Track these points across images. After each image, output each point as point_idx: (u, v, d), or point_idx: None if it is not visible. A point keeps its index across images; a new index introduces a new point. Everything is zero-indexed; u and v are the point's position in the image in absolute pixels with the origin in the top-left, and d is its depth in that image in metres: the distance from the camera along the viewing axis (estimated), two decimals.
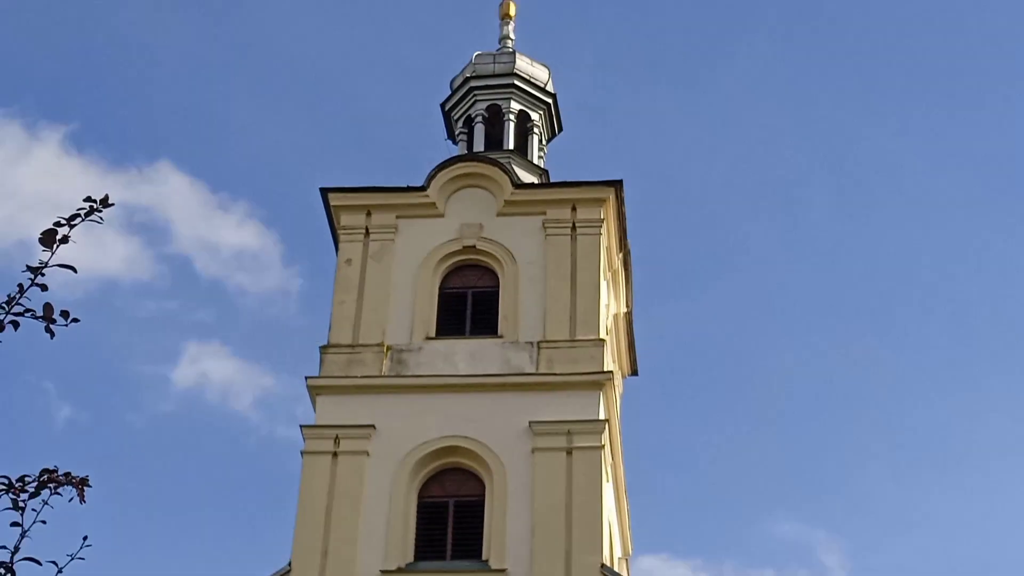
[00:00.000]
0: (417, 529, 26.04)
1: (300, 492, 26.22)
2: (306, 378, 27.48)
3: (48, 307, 6.99)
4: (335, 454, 26.56)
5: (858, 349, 70.36)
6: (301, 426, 26.99)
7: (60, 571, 7.49)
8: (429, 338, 28.06)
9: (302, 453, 26.68)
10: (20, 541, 7.37)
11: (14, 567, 7.29)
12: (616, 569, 27.19)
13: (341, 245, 29.52)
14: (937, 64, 73.16)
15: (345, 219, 29.70)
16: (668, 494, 64.18)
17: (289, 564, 25.47)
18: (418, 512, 26.25)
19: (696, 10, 72.62)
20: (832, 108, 72.00)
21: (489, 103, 34.00)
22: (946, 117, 72.44)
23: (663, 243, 63.60)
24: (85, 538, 7.87)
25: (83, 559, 7.73)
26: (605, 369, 27.46)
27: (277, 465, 65.88)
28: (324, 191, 30.00)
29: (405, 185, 30.20)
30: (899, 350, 71.43)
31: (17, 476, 7.37)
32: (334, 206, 29.85)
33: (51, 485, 7.42)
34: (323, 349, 27.90)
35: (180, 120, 71.22)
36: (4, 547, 7.33)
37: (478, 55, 35.02)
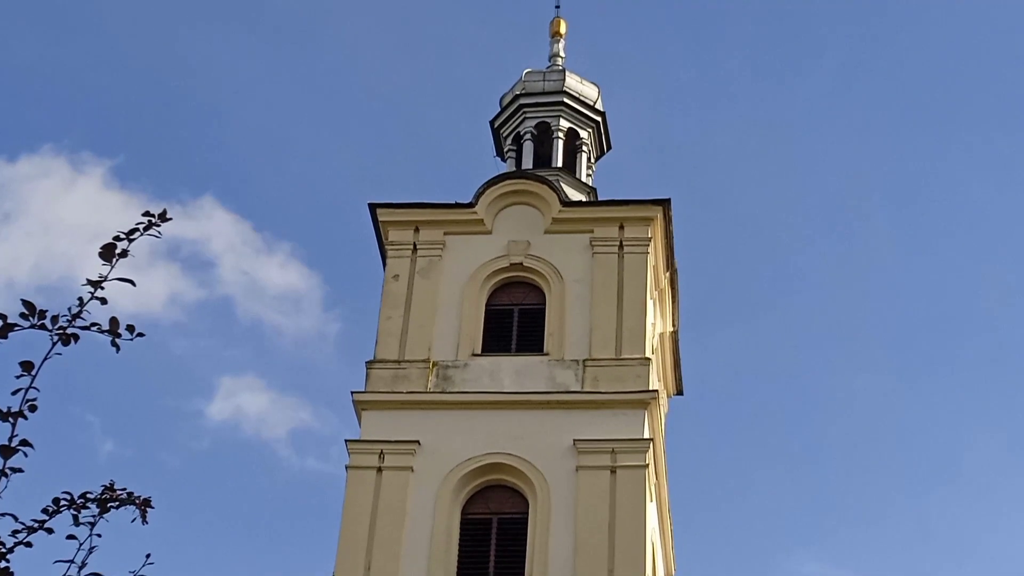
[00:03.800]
0: (460, 546, 25.98)
1: (344, 507, 26.23)
2: (352, 392, 27.53)
3: (114, 321, 7.03)
4: (380, 469, 26.57)
5: (912, 382, 69.63)
6: (346, 441, 27.03)
7: None
8: (475, 355, 28.06)
9: (347, 468, 26.70)
10: (88, 556, 7.44)
11: None
12: None
13: (389, 261, 29.58)
14: (1001, 91, 72.47)
15: (393, 235, 29.78)
16: (708, 518, 63.82)
17: None
18: (461, 529, 26.21)
19: (752, 33, 72.41)
20: (893, 135, 71.57)
21: (538, 120, 34.03)
22: (1010, 145, 71.62)
23: (712, 264, 63.36)
24: (148, 556, 7.94)
25: None
26: (650, 388, 27.36)
27: (315, 494, 65.96)
28: (372, 206, 30.09)
29: (453, 202, 30.28)
30: (956, 385, 70.39)
31: (79, 493, 7.42)
32: (382, 221, 29.94)
33: (113, 503, 7.46)
34: (369, 364, 27.94)
35: (226, 155, 71.25)
36: (72, 562, 7.40)
37: (528, 72, 35.07)
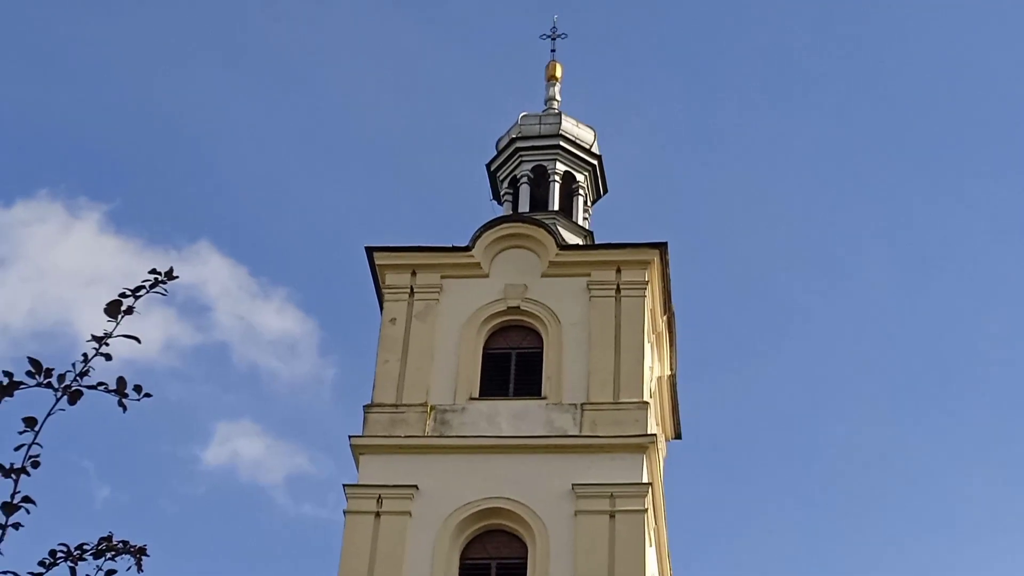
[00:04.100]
0: None
1: (342, 552, 26.16)
2: (349, 437, 27.48)
3: (122, 381, 7.02)
4: (378, 514, 26.51)
5: (912, 427, 69.46)
6: (344, 485, 26.95)
7: None
8: (473, 399, 28.03)
9: (345, 513, 26.63)
10: None
11: None
12: None
13: (386, 304, 29.57)
14: (996, 133, 72.64)
15: (390, 278, 29.78)
16: (708, 562, 63.57)
17: None
18: (460, 573, 26.13)
19: (748, 76, 72.64)
20: (890, 179, 71.68)
21: (535, 164, 34.08)
22: (1006, 187, 71.66)
23: (710, 307, 63.38)
24: None
25: None
26: (648, 432, 27.34)
27: (312, 540, 65.68)
28: (369, 250, 30.11)
29: (450, 245, 30.29)
30: (956, 430, 70.17)
31: (75, 544, 7.41)
32: (379, 265, 29.94)
33: (109, 554, 7.46)
34: (367, 408, 27.90)
35: (222, 200, 71.22)
36: None
37: (524, 116, 35.14)
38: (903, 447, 69.36)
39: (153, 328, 64.29)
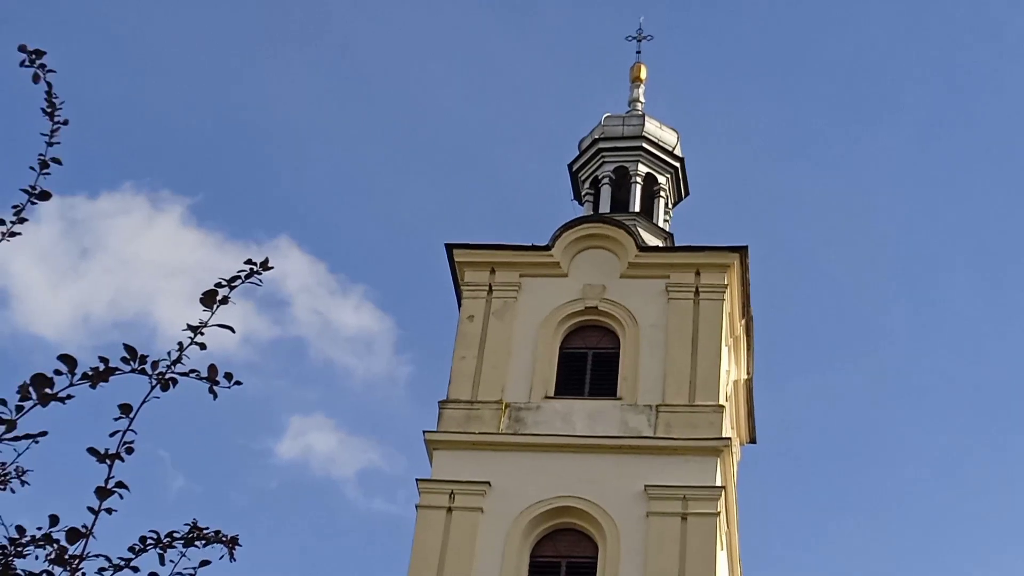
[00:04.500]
0: None
1: (413, 546, 26.28)
2: (424, 432, 27.60)
3: (213, 368, 7.12)
4: (450, 509, 26.61)
5: (990, 440, 68.67)
6: (417, 480, 27.09)
7: None
8: (548, 397, 28.08)
9: (417, 507, 26.76)
10: None
11: None
12: None
13: (464, 301, 29.68)
14: None
15: (469, 275, 29.89)
16: (779, 569, 63.17)
17: None
18: (530, 571, 26.17)
19: (834, 82, 72.10)
20: (975, 189, 70.90)
21: (616, 165, 34.09)
22: None
23: (789, 313, 63.10)
24: None
25: None
26: (723, 435, 27.26)
27: (382, 535, 65.90)
28: (449, 247, 30.23)
29: (530, 244, 30.36)
30: None
31: (165, 532, 7.52)
32: (459, 262, 30.06)
33: (199, 542, 7.55)
34: (442, 404, 28.02)
35: (303, 196, 71.57)
36: None
37: (607, 117, 35.14)
38: (982, 460, 68.74)
39: (232, 321, 64.52)
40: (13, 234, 7.55)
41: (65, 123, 7.77)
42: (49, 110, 7.76)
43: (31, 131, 7.92)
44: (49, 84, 7.75)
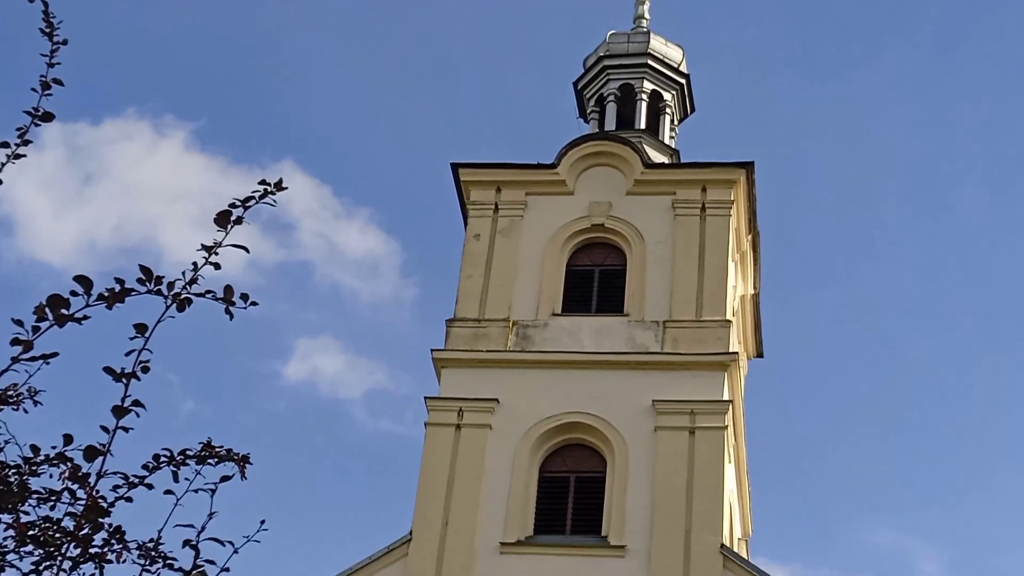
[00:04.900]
0: (537, 503, 26.22)
1: (423, 463, 26.50)
2: (432, 350, 27.75)
3: (229, 289, 7.16)
4: (458, 427, 26.81)
5: (998, 353, 68.74)
6: (426, 398, 27.27)
7: (236, 551, 7.73)
8: (555, 314, 28.21)
9: (426, 425, 26.97)
10: (208, 521, 7.64)
11: (199, 545, 7.57)
12: (736, 549, 27.18)
13: (470, 220, 29.74)
14: None
15: (475, 194, 29.93)
16: (786, 481, 63.61)
17: (410, 533, 25.81)
18: (539, 486, 26.43)
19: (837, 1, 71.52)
20: (987, 105, 70.56)
21: (622, 82, 34.00)
22: None
23: (795, 228, 63.04)
24: (263, 521, 8.11)
25: (259, 542, 7.97)
26: (731, 350, 27.39)
27: (390, 455, 66.23)
28: (455, 166, 30.25)
29: (536, 162, 30.36)
30: None
31: (179, 450, 7.62)
32: (464, 181, 30.08)
33: (211, 460, 7.65)
34: (449, 322, 28.14)
35: (307, 119, 71.12)
36: (191, 526, 7.61)
37: (612, 34, 35.00)
38: (988, 373, 68.91)
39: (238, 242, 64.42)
40: (18, 156, 7.57)
41: (64, 43, 7.76)
42: (47, 30, 7.74)
43: (31, 54, 7.96)
44: (45, 3, 7.75)
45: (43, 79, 7.68)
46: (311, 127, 71.58)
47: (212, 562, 7.62)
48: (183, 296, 6.96)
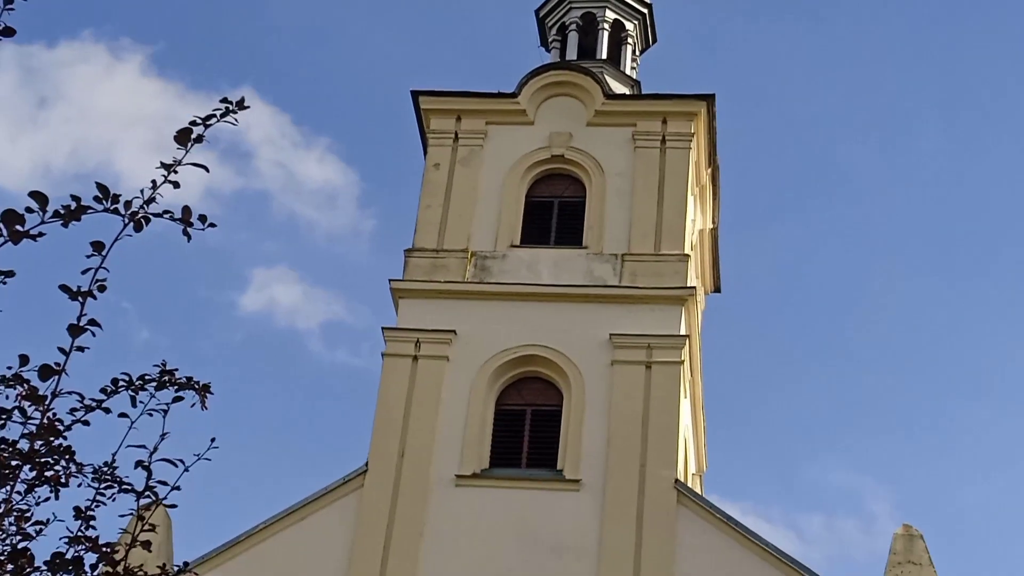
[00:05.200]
0: (494, 436, 26.13)
1: (379, 394, 26.36)
2: (389, 280, 27.55)
3: (187, 209, 7.00)
4: (415, 358, 26.66)
5: (953, 289, 69.21)
6: (383, 328, 27.08)
7: (187, 469, 7.65)
8: (514, 246, 28.03)
9: (383, 355, 26.79)
10: (160, 442, 7.55)
11: (151, 466, 7.48)
12: (690, 484, 27.22)
13: (430, 149, 29.47)
14: None
15: (435, 123, 29.64)
16: (741, 416, 63.95)
17: (366, 464, 25.69)
18: (495, 419, 26.34)
19: None
20: (946, 37, 70.66)
21: (584, 11, 33.69)
22: None
23: (754, 162, 63.03)
24: (212, 440, 8.08)
25: (209, 459, 7.89)
26: (688, 285, 27.31)
27: (347, 387, 66.13)
28: (415, 94, 29.93)
29: (496, 91, 30.07)
30: (1000, 295, 69.81)
31: (137, 375, 7.49)
32: (424, 109, 29.78)
33: (171, 387, 7.53)
34: (407, 252, 27.92)
35: (266, 45, 70.53)
36: (143, 446, 7.52)
37: None
38: (942, 307, 69.44)
39: (194, 172, 63.86)
40: None
41: None
42: None
43: None
44: None
45: None
46: (271, 54, 71.04)
47: (164, 483, 7.55)
48: (141, 215, 6.73)
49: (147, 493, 7.46)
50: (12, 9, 7.39)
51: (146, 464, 7.49)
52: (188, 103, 66.26)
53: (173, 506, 7.71)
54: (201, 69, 72.60)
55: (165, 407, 7.52)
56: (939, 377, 69.33)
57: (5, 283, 6.93)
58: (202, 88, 70.37)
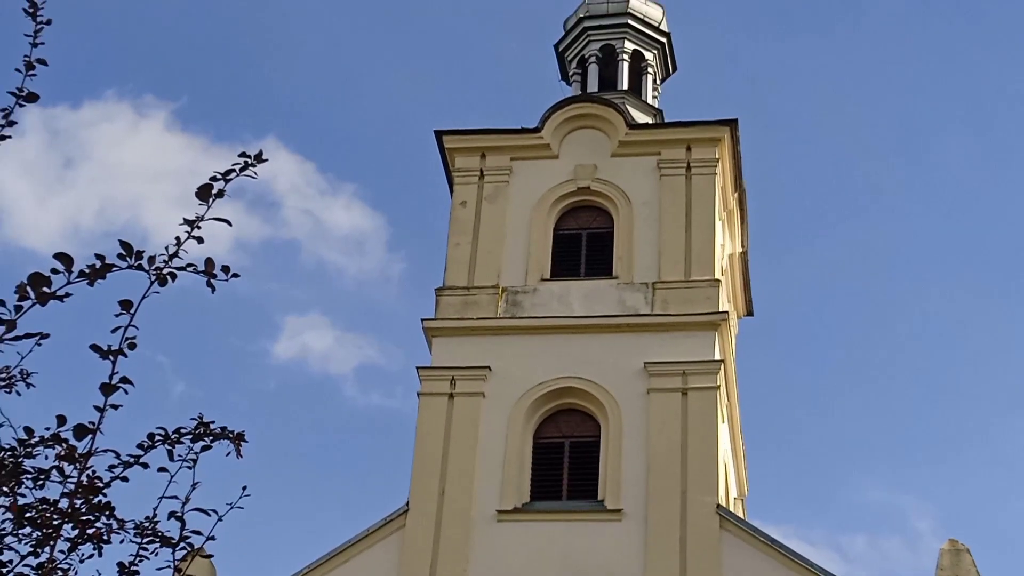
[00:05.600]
0: (533, 469, 26.17)
1: (417, 433, 26.43)
2: (422, 320, 27.64)
3: (210, 262, 7.10)
4: (451, 396, 26.73)
5: (989, 305, 68.76)
6: (418, 368, 27.17)
7: (220, 519, 7.71)
8: (544, 279, 28.11)
9: (418, 394, 26.87)
10: (191, 492, 7.62)
11: (184, 516, 7.56)
12: (731, 509, 27.17)
13: (456, 188, 29.62)
14: None
15: (460, 161, 29.79)
16: (780, 439, 63.66)
17: (407, 504, 25.74)
18: (534, 453, 26.37)
19: None
20: (970, 56, 70.46)
21: (603, 43, 33.85)
22: None
23: (782, 184, 62.91)
24: (244, 488, 8.11)
25: (242, 508, 7.96)
26: (720, 310, 27.33)
27: (382, 430, 66.18)
28: (439, 133, 30.10)
29: (519, 127, 30.21)
30: None
31: (173, 428, 7.58)
32: (449, 148, 29.94)
33: (207, 438, 7.61)
34: (438, 291, 28.03)
35: (288, 95, 70.67)
36: (176, 497, 7.60)
37: None
38: (976, 321, 68.97)
39: (222, 225, 64.12)
40: (2, 137, 7.50)
41: (48, 23, 7.71)
42: (31, 10, 7.69)
43: (15, 35, 7.84)
44: None
45: (27, 59, 7.59)
46: (292, 103, 71.35)
47: (198, 532, 7.62)
48: (165, 271, 6.85)
49: (182, 544, 7.53)
50: (35, 75, 7.55)
51: (179, 515, 7.57)
52: (213, 156, 66.68)
53: (210, 556, 7.78)
54: (224, 122, 73.09)
55: (194, 456, 7.61)
56: (976, 391, 68.92)
57: (40, 344, 7.06)
58: (226, 140, 70.78)
